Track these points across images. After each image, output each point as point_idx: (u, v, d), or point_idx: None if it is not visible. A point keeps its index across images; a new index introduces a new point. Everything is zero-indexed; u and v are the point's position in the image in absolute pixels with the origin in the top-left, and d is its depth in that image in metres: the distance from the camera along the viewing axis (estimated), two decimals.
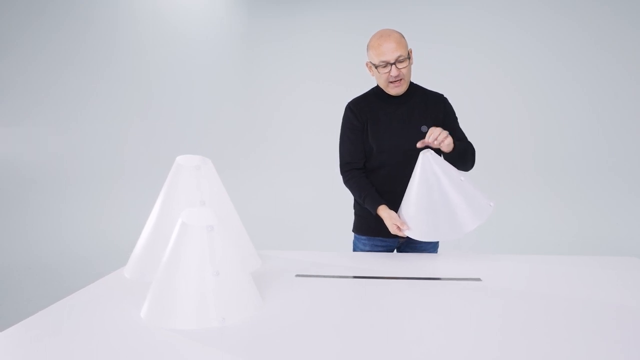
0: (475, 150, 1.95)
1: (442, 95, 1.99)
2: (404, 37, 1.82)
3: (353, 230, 2.08)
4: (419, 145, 1.73)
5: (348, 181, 1.95)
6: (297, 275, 1.56)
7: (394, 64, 1.77)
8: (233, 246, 1.29)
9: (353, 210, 2.08)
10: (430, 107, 1.92)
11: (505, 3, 4.78)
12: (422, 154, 1.70)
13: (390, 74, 1.79)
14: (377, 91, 1.94)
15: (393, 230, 1.76)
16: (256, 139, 4.87)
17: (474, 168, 1.97)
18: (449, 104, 1.98)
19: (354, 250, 2.08)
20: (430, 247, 2.00)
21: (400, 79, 1.81)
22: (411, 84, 1.94)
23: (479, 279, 1.50)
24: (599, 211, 4.35)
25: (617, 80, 4.64)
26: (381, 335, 1.12)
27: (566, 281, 1.46)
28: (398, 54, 1.76)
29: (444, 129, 1.86)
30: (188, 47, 5.15)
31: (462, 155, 1.85)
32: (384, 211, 1.81)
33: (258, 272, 1.58)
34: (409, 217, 1.73)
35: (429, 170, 1.68)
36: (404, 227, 1.73)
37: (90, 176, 5.20)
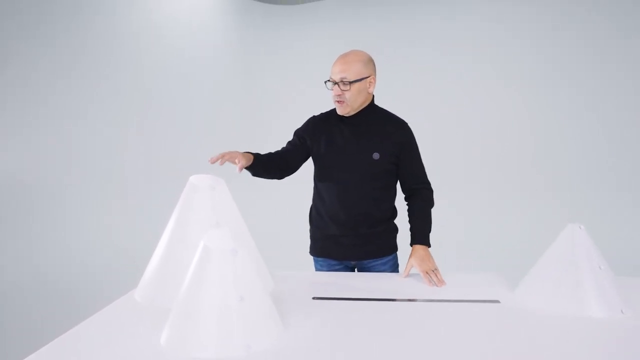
0: (433, 190, 2.04)
1: (404, 122, 2.01)
2: (362, 62, 1.86)
3: (310, 253, 2.16)
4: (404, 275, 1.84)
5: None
6: (314, 298, 1.58)
7: (337, 84, 1.85)
8: (256, 270, 1.30)
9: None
10: (387, 134, 1.95)
11: (503, 8, 4.89)
12: (576, 228, 1.53)
13: (333, 92, 1.89)
14: None
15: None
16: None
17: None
18: (410, 132, 1.99)
19: (316, 270, 2.14)
20: (386, 268, 2.05)
21: (342, 101, 1.88)
22: (375, 107, 2.00)
23: (497, 301, 1.54)
24: (607, 223, 4.42)
25: (616, 85, 4.78)
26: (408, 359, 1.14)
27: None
28: (342, 75, 1.84)
29: (400, 159, 1.95)
30: (185, 59, 5.26)
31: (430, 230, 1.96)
32: (241, 152, 1.80)
33: (274, 295, 1.60)
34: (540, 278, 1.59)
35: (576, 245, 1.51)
36: (215, 157, 1.69)
37: (91, 188, 5.27)
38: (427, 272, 1.76)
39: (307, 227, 2.17)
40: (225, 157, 1.72)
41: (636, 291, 1.57)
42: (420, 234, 1.91)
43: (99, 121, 5.32)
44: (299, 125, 2.12)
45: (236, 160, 1.75)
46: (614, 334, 1.31)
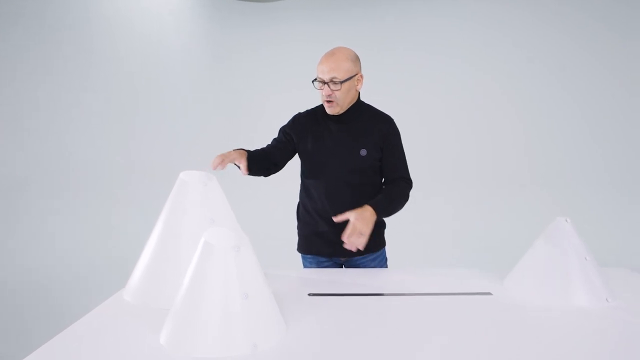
0: (410, 186, 2.00)
1: (390, 117, 2.05)
2: (350, 60, 1.87)
3: (297, 250, 2.17)
4: (336, 220, 1.79)
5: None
6: (310, 295, 1.59)
7: (327, 83, 1.86)
8: (258, 267, 1.29)
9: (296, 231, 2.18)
10: (373, 130, 1.98)
11: (497, 13, 5.08)
12: (562, 221, 1.63)
13: (323, 93, 1.89)
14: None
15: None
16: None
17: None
18: (395, 128, 2.03)
19: (304, 267, 2.16)
20: (375, 264, 2.10)
21: (332, 101, 1.89)
22: (361, 104, 2.03)
23: (489, 294, 1.61)
24: (599, 222, 4.68)
25: (605, 84, 5.11)
26: (412, 353, 1.20)
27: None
28: (332, 75, 1.84)
29: (383, 152, 1.96)
30: (164, 56, 5.21)
31: (389, 214, 1.93)
32: (233, 151, 1.83)
33: None
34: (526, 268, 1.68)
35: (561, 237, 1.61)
36: (214, 162, 1.72)
37: (74, 188, 5.14)
38: (355, 230, 1.72)
39: (293, 224, 2.18)
40: (225, 161, 1.71)
41: (619, 281, 1.69)
42: (378, 203, 1.85)
43: (81, 121, 5.23)
44: (281, 122, 2.12)
45: (239, 164, 1.79)
46: (600, 321, 1.41)
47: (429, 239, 4.08)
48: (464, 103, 5.13)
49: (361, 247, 1.73)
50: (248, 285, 1.23)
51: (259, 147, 2.04)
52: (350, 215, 1.76)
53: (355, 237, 1.71)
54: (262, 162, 1.96)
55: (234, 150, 1.85)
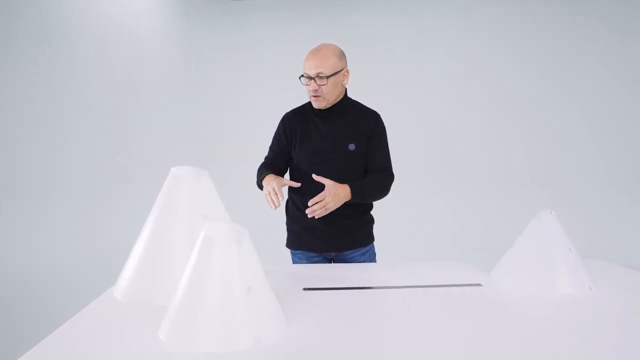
0: (393, 177, 2.08)
1: (376, 113, 2.12)
2: (336, 56, 1.96)
3: (286, 246, 2.23)
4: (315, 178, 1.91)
5: (259, 168, 2.14)
6: (305, 289, 1.62)
7: (314, 79, 1.93)
8: (259, 261, 1.31)
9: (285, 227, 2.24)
10: (360, 124, 2.06)
11: (497, 12, 5.16)
12: (547, 214, 1.69)
13: (310, 88, 1.96)
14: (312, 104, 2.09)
15: (267, 198, 1.88)
16: (221, 151, 4.93)
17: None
18: (381, 123, 2.11)
19: (293, 263, 2.22)
20: (365, 258, 2.16)
21: (319, 95, 1.97)
22: (348, 99, 2.11)
23: (479, 285, 1.64)
24: (599, 222, 4.81)
25: (599, 83, 5.17)
26: (413, 345, 1.25)
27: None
28: (319, 70, 1.93)
29: (368, 147, 2.04)
30: (150, 63, 5.24)
31: (364, 200, 2.03)
32: (266, 180, 1.96)
33: None
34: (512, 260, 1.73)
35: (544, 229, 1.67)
36: (272, 200, 1.85)
37: (62, 187, 5.16)
38: (322, 201, 1.83)
39: (280, 220, 2.21)
40: (279, 193, 1.85)
41: (600, 271, 1.77)
42: (357, 186, 1.96)
43: (75, 120, 5.24)
44: (275, 120, 2.17)
45: (286, 184, 1.96)
46: (584, 308, 1.48)
47: (429, 239, 4.14)
48: (464, 103, 5.19)
49: (317, 217, 1.85)
50: (250, 279, 1.24)
51: (265, 162, 2.15)
52: (328, 185, 1.86)
53: (319, 208, 1.83)
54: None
55: (268, 179, 1.96)
